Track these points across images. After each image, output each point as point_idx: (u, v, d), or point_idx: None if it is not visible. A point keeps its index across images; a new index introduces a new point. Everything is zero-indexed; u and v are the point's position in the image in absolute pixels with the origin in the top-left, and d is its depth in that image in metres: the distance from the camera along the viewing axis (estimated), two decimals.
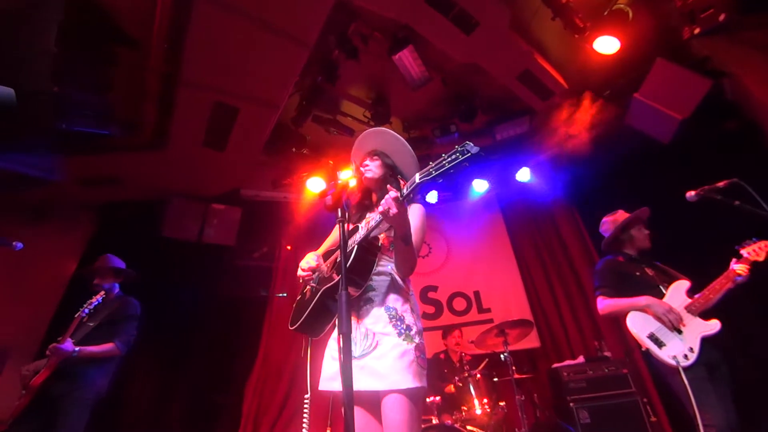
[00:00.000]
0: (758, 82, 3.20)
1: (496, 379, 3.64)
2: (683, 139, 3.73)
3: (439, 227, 5.77)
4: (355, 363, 1.51)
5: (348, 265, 1.58)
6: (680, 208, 2.44)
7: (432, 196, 5.57)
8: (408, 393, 1.49)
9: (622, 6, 3.38)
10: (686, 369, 2.18)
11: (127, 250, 3.33)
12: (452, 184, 5.60)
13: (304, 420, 3.00)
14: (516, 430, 3.37)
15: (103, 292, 2.84)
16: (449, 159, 1.34)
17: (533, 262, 5.35)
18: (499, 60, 3.98)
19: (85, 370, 2.73)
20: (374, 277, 1.71)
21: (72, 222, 4.63)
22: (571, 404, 3.54)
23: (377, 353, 1.55)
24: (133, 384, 4.19)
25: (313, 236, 5.84)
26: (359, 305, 1.69)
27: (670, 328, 2.32)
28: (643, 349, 2.37)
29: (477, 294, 5.25)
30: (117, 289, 3.19)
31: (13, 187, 3.66)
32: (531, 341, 4.43)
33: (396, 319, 1.62)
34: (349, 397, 1.14)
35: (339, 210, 1.50)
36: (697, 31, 3.17)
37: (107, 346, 2.80)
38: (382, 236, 1.78)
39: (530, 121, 4.74)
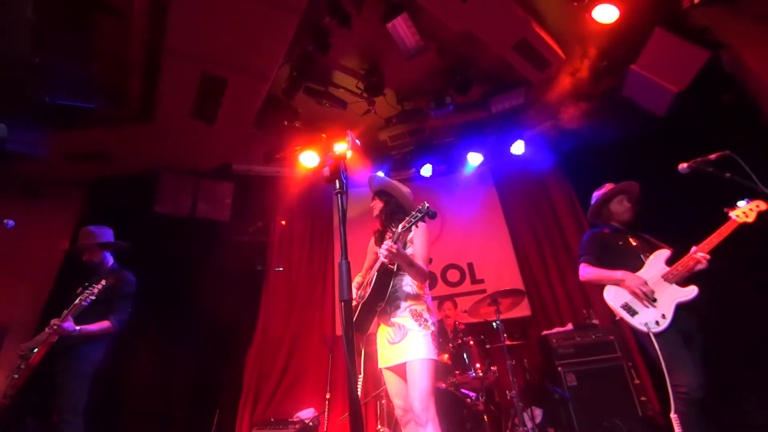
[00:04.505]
0: (756, 54, 3.17)
1: (488, 346, 3.77)
2: (679, 111, 3.72)
3: (433, 201, 5.71)
4: (393, 347, 2.23)
5: (372, 286, 2.25)
6: (674, 179, 2.47)
7: (426, 170, 5.54)
8: (425, 361, 2.11)
9: None
10: (658, 334, 2.25)
11: (120, 225, 3.29)
12: (447, 157, 5.57)
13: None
14: (507, 392, 3.54)
15: (103, 281, 2.79)
16: (414, 216, 2.04)
17: (526, 233, 5.43)
18: (496, 28, 3.87)
19: (82, 346, 2.76)
20: (398, 288, 2.32)
21: (63, 199, 4.56)
22: (559, 368, 3.71)
23: (406, 339, 2.20)
24: (136, 358, 4.26)
25: (307, 211, 5.85)
26: (391, 309, 2.31)
27: (643, 300, 2.39)
28: (617, 317, 2.44)
29: (470, 265, 5.35)
30: (111, 261, 3.16)
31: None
32: (522, 310, 4.57)
33: (417, 315, 2.25)
34: (354, 375, 1.30)
35: (337, 181, 1.53)
36: (696, 0, 3.10)
37: (103, 324, 2.82)
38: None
39: (526, 93, 4.68)
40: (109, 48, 3.23)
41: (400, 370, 2.22)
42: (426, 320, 2.23)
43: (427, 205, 2.03)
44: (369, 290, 2.27)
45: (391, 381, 2.30)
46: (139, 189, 4.77)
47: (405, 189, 2.62)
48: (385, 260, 2.09)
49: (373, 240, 2.63)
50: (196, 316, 4.68)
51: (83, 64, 3.10)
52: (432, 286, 5.33)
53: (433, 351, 2.15)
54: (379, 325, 2.40)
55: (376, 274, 2.24)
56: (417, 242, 2.37)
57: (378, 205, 2.58)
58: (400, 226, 2.11)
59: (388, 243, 2.07)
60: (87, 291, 2.73)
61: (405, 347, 2.17)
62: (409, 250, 2.32)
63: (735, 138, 2.58)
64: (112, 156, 4.46)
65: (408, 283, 2.34)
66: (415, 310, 2.25)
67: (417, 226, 2.08)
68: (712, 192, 2.44)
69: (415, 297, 2.31)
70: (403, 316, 2.26)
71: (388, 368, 2.27)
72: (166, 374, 4.50)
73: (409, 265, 2.19)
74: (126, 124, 4.12)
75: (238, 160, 5.31)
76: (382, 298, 2.26)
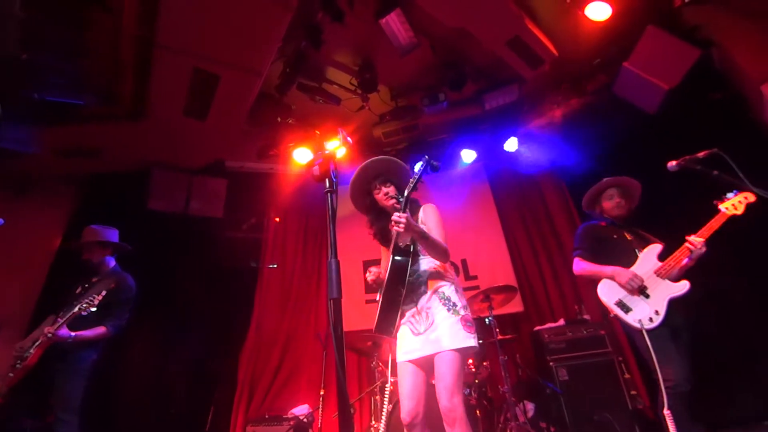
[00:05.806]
0: (745, 52, 3.20)
1: (480, 341, 3.80)
2: (670, 109, 3.75)
3: (427, 197, 5.79)
4: (420, 338, 2.00)
5: (389, 272, 2.00)
6: (665, 177, 2.48)
7: (419, 167, 5.54)
8: (453, 352, 1.90)
9: None
10: (649, 331, 2.28)
11: (113, 222, 3.27)
12: (441, 154, 5.57)
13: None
14: (499, 387, 3.58)
15: (104, 292, 2.72)
16: (417, 175, 2.01)
17: (519, 230, 5.47)
18: (489, 25, 3.87)
19: (77, 349, 2.75)
20: (422, 272, 2.10)
21: (55, 195, 4.51)
22: (551, 363, 3.75)
23: (434, 328, 1.98)
24: (131, 355, 4.24)
25: (301, 207, 5.84)
26: (417, 296, 2.07)
27: (635, 293, 2.41)
28: (611, 315, 2.45)
29: (464, 262, 5.37)
30: (113, 263, 3.11)
31: None
32: (515, 306, 4.61)
33: (444, 299, 2.03)
34: (342, 363, 1.26)
35: (327, 180, 1.54)
36: None
37: (99, 330, 2.80)
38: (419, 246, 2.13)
39: (519, 90, 4.69)
40: (100, 44, 3.18)
41: (425, 363, 2.00)
42: (455, 304, 2.02)
43: (427, 156, 1.98)
44: (386, 279, 2.02)
45: (406, 378, 2.01)
46: (132, 185, 4.73)
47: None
48: (399, 230, 1.87)
49: (382, 248, 2.36)
50: (190, 312, 4.67)
51: (73, 61, 3.05)
52: None
53: (465, 337, 1.93)
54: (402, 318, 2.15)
55: (391, 257, 2.01)
56: (430, 222, 2.14)
57: (389, 189, 2.27)
58: (405, 191, 1.98)
59: (396, 214, 1.88)
60: (86, 301, 2.66)
61: (433, 337, 1.95)
62: None
63: (724, 135, 2.61)
64: (104, 152, 4.41)
65: (429, 265, 2.12)
66: (443, 293, 2.04)
67: (421, 182, 1.97)
68: (703, 189, 2.46)
69: (440, 280, 2.10)
70: (430, 302, 2.04)
71: (411, 361, 2.01)
72: (160, 371, 4.49)
73: (423, 237, 1.98)
74: (118, 121, 4.07)
75: (231, 156, 5.27)
76: (402, 284, 1.99)
